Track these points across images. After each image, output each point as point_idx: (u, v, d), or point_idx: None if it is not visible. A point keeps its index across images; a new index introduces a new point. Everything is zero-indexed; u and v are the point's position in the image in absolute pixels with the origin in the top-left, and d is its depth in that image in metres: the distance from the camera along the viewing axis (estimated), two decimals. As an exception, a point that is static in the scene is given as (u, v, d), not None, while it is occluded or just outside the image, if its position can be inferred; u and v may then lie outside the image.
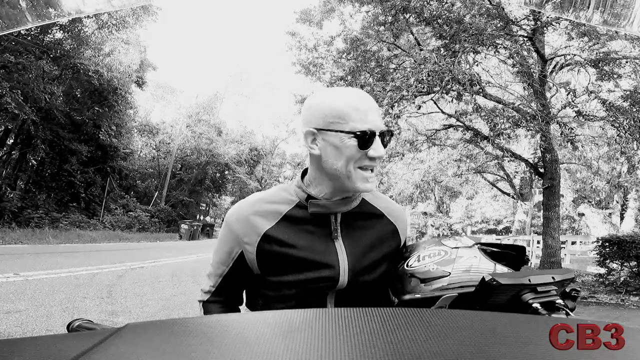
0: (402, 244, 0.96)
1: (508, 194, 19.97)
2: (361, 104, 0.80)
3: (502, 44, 8.46)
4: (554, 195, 9.33)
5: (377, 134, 0.80)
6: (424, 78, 7.09)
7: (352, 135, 0.79)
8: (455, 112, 10.15)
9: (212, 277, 0.94)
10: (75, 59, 17.71)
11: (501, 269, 0.74)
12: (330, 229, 0.87)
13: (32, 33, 16.21)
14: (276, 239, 0.85)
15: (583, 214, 22.67)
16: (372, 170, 0.83)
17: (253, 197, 0.93)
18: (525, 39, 8.66)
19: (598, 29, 7.65)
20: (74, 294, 4.84)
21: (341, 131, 0.79)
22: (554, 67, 9.39)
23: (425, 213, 31.24)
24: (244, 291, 0.98)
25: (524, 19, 8.36)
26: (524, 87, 9.89)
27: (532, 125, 7.99)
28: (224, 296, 0.94)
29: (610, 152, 12.04)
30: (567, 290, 0.68)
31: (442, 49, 8.07)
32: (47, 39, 17.55)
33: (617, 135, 8.42)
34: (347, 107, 0.79)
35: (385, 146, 0.82)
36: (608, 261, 7.09)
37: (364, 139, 0.79)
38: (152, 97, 34.38)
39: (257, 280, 0.90)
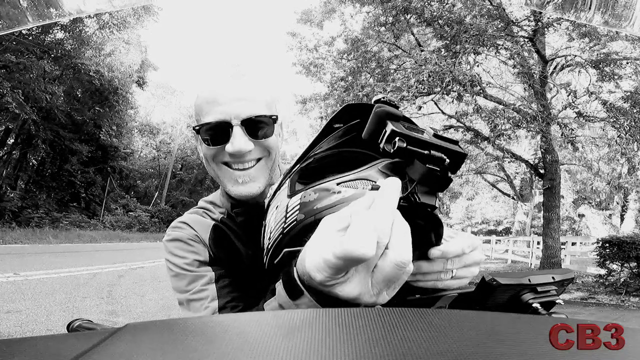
0: None
1: (508, 195, 19.96)
2: (217, 94, 0.68)
3: (502, 45, 8.47)
4: (554, 196, 9.33)
5: (235, 124, 0.66)
6: (425, 79, 7.09)
7: (198, 130, 0.69)
8: (456, 112, 10.15)
9: (202, 294, 0.70)
10: (76, 59, 17.74)
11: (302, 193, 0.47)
12: None
13: (33, 33, 16.24)
14: (223, 238, 0.75)
15: (583, 215, 22.67)
16: (244, 169, 0.69)
17: (187, 214, 0.82)
18: (526, 39, 8.66)
19: (599, 30, 7.65)
20: (74, 294, 4.84)
21: (194, 128, 0.70)
22: (555, 68, 9.39)
23: (425, 214, 31.23)
24: None
25: (524, 19, 8.37)
26: (524, 88, 9.89)
27: (532, 126, 7.99)
28: (234, 299, 0.71)
29: (611, 153, 12.04)
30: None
31: (442, 50, 8.07)
32: (48, 39, 17.58)
33: (618, 136, 8.43)
34: (203, 100, 0.69)
35: (262, 136, 0.68)
36: (608, 262, 7.08)
37: (212, 133, 0.67)
38: (153, 97, 34.42)
39: None
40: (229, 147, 0.66)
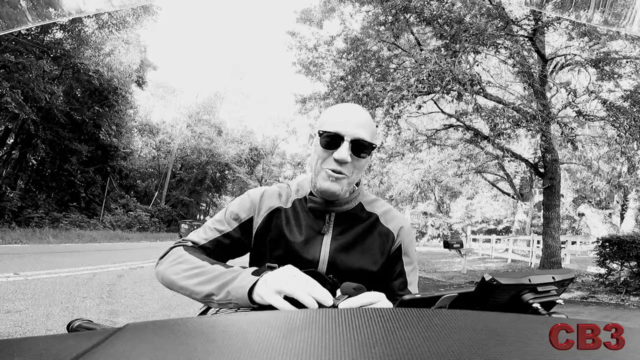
0: (395, 243, 1.04)
1: (508, 194, 19.96)
2: (342, 114, 0.91)
3: (502, 44, 8.46)
4: (554, 195, 9.34)
5: (346, 140, 0.89)
6: (425, 78, 7.08)
7: (320, 134, 0.92)
8: (456, 112, 10.15)
9: (209, 231, 1.01)
10: (75, 58, 17.72)
11: None
12: (323, 225, 0.99)
13: (32, 33, 16.21)
14: (281, 217, 1.00)
15: (583, 214, 22.68)
16: (339, 173, 0.91)
17: (275, 185, 1.09)
18: (526, 39, 8.65)
19: (598, 29, 7.64)
20: (74, 293, 4.84)
21: (318, 132, 0.93)
22: (555, 67, 9.39)
23: (425, 213, 31.29)
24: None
25: (524, 19, 8.36)
26: (524, 87, 9.88)
27: (532, 125, 7.99)
28: (209, 254, 0.99)
29: (611, 152, 12.04)
30: None
31: (442, 49, 8.06)
32: (48, 39, 17.56)
33: (618, 135, 8.42)
34: (331, 115, 0.93)
35: (359, 155, 0.91)
36: (608, 261, 7.08)
37: (328, 140, 0.90)
38: (152, 97, 34.39)
39: (250, 255, 1.05)
40: (335, 154, 0.89)
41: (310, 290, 0.68)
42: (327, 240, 0.97)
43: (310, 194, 1.01)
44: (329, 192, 0.93)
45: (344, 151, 0.88)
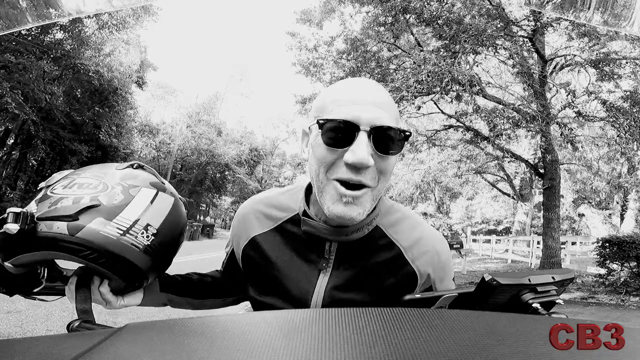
0: (423, 286, 0.73)
1: (508, 195, 19.96)
2: (345, 93, 0.62)
3: (502, 45, 8.46)
4: (554, 195, 9.33)
5: (363, 129, 0.58)
6: (424, 79, 7.09)
7: (320, 124, 0.60)
8: (456, 112, 10.15)
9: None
10: (75, 59, 17.72)
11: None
12: (321, 257, 0.71)
13: (32, 33, 16.22)
14: (260, 248, 0.75)
15: (583, 215, 22.67)
16: (357, 188, 0.61)
17: (261, 195, 0.83)
18: (526, 39, 8.66)
19: (598, 30, 7.65)
20: (74, 294, 4.83)
21: (318, 121, 0.61)
22: (554, 68, 9.39)
23: (425, 214, 31.26)
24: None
25: (524, 19, 8.37)
26: (524, 88, 9.89)
27: (532, 125, 7.99)
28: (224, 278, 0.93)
29: (611, 152, 12.05)
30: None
31: (442, 50, 8.07)
32: (48, 39, 17.56)
33: (617, 136, 8.43)
34: (329, 96, 0.63)
35: (387, 152, 0.60)
36: (608, 262, 7.08)
37: (334, 132, 0.59)
38: (153, 97, 34.40)
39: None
40: (349, 155, 0.58)
41: None
42: (323, 277, 0.70)
43: (305, 213, 0.72)
44: (344, 219, 0.62)
45: (361, 148, 0.57)
